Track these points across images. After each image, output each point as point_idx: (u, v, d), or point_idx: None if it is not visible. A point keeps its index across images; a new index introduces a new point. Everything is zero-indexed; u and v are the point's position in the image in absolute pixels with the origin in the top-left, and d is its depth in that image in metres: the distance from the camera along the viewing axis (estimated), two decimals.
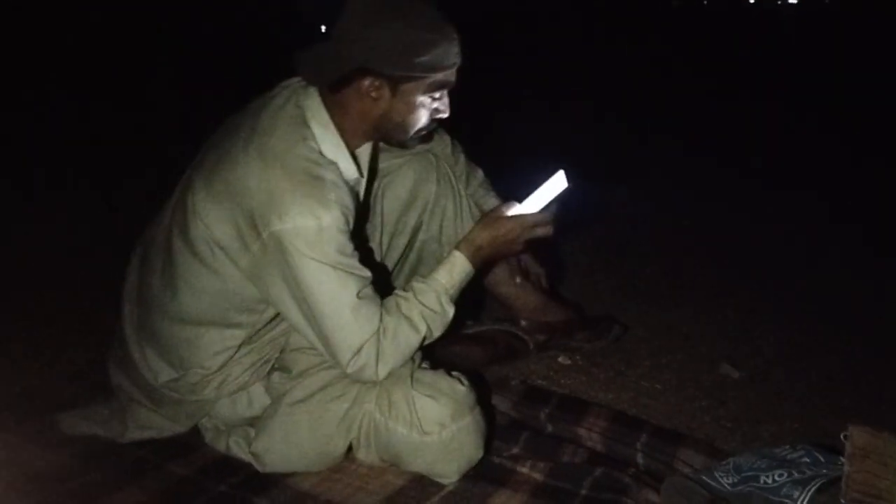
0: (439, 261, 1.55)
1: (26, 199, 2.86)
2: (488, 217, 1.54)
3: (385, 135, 1.47)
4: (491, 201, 1.84)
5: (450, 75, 1.41)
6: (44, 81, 3.89)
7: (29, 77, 3.93)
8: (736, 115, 4.63)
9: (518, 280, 1.96)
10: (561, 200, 1.51)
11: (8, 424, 1.55)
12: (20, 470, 1.42)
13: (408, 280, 1.65)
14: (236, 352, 1.47)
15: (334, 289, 1.35)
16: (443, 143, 1.82)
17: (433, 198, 1.79)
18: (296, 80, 1.44)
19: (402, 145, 1.53)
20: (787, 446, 1.41)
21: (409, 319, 1.42)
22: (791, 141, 4.12)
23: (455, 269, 1.48)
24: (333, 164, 1.39)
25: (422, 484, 1.44)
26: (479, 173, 1.90)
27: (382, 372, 1.40)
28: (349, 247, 1.37)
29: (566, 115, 4.36)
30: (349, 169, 1.43)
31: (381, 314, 1.40)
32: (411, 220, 1.80)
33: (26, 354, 1.83)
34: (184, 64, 4.43)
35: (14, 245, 2.45)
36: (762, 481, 1.30)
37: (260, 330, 1.47)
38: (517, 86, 4.81)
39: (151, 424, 1.53)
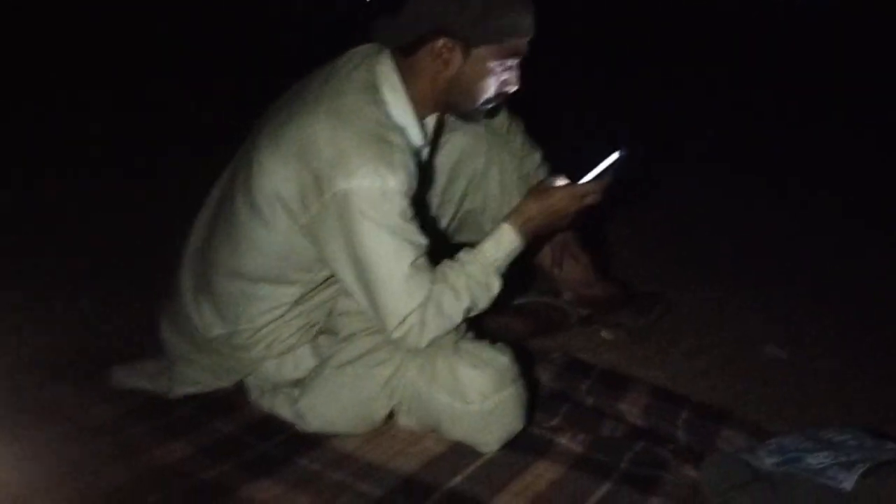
0: (482, 233, 1.55)
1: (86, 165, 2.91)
2: (537, 188, 1.52)
3: (453, 103, 1.47)
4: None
5: (522, 45, 1.40)
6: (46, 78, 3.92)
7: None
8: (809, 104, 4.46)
9: (563, 254, 1.95)
10: (614, 171, 1.49)
11: (64, 378, 1.59)
12: (74, 421, 1.47)
13: (453, 250, 1.65)
14: (288, 310, 1.49)
15: (390, 255, 1.36)
16: (502, 117, 1.81)
17: (480, 172, 1.79)
18: (367, 45, 1.45)
19: (469, 117, 1.52)
20: (834, 428, 1.39)
21: (454, 290, 1.42)
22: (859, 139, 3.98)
23: (502, 242, 1.47)
24: (401, 128, 1.39)
25: (461, 451, 1.44)
26: (537, 153, 1.88)
27: (425, 341, 1.41)
28: (410, 212, 1.37)
29: (630, 93, 4.27)
30: (416, 135, 1.43)
31: (430, 284, 1.40)
32: (457, 190, 1.80)
33: (82, 311, 1.88)
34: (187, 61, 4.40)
35: (77, 210, 2.51)
36: (807, 462, 1.29)
37: (313, 290, 1.49)
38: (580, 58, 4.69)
39: (197, 380, 1.56)
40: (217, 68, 4.33)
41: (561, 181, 1.50)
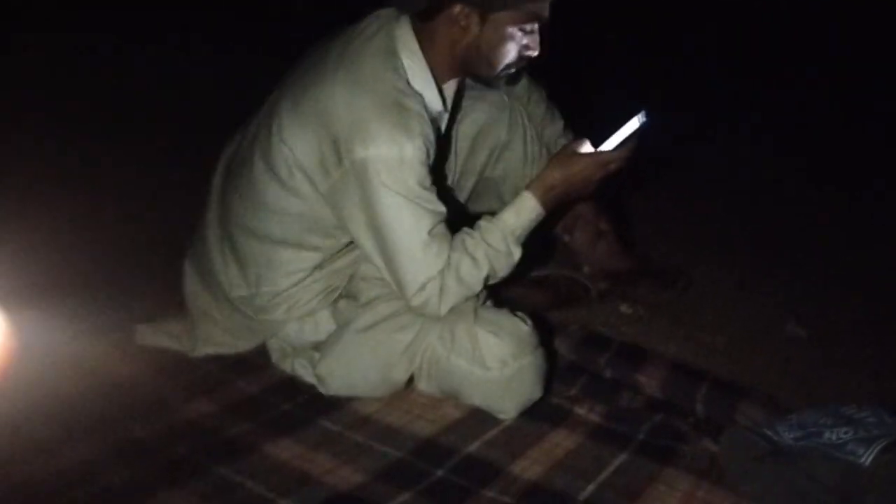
0: (502, 203, 1.54)
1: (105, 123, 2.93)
2: (560, 155, 1.51)
3: (472, 69, 1.46)
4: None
5: (542, 8, 1.39)
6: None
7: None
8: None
9: (584, 226, 1.95)
10: (638, 139, 1.47)
11: (87, 332, 1.62)
12: (101, 376, 1.49)
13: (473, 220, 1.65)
14: (309, 275, 1.50)
15: (408, 222, 1.36)
16: (523, 85, 1.80)
17: (502, 142, 1.78)
18: (387, 11, 1.44)
19: (489, 83, 1.51)
20: (853, 405, 1.39)
21: (473, 258, 1.42)
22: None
23: (523, 210, 1.47)
24: (420, 95, 1.39)
25: (479, 418, 1.46)
26: (560, 122, 1.87)
27: (444, 308, 1.42)
28: (428, 180, 1.37)
29: (659, 62, 4.19)
30: (434, 102, 1.43)
31: (449, 252, 1.41)
32: (479, 161, 1.79)
33: (105, 267, 1.90)
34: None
35: (103, 169, 2.53)
36: (826, 437, 1.29)
37: (334, 255, 1.50)
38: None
39: (219, 341, 1.58)
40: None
41: (585, 147, 1.49)
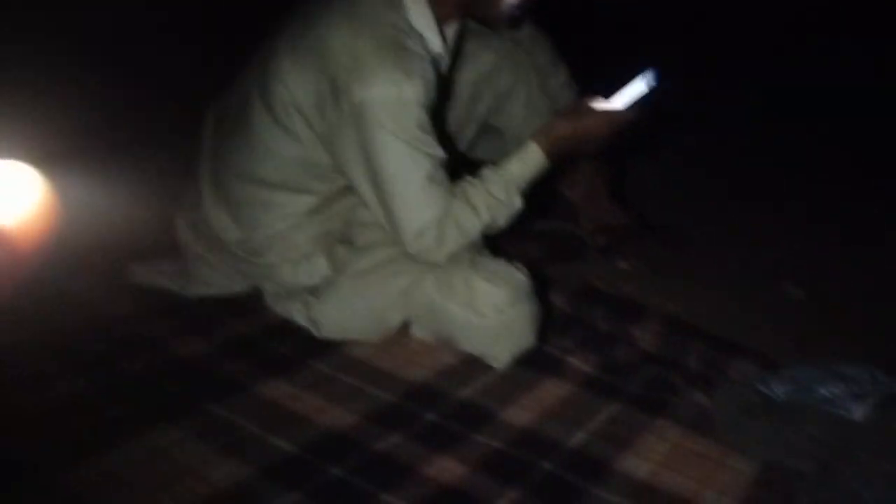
0: (502, 152, 1.52)
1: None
2: (571, 109, 1.49)
3: (475, 8, 1.43)
4: (570, 101, 1.79)
5: None
6: None
7: None
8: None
9: (585, 181, 1.93)
10: (646, 101, 1.45)
11: (84, 272, 1.61)
12: (95, 313, 1.49)
13: (474, 168, 1.63)
14: (304, 219, 1.49)
15: (406, 166, 1.34)
16: (528, 33, 1.76)
17: (505, 90, 1.75)
18: None
19: (493, 24, 1.48)
20: (847, 363, 1.38)
21: (473, 207, 1.41)
22: None
23: (528, 161, 1.45)
24: (420, 35, 1.36)
25: (472, 364, 1.46)
26: (564, 72, 1.84)
27: (442, 255, 1.41)
28: (428, 123, 1.35)
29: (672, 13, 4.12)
30: (435, 43, 1.40)
31: (448, 198, 1.39)
32: (481, 109, 1.77)
33: (103, 210, 1.88)
34: None
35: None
36: (818, 393, 1.29)
37: (330, 199, 1.49)
38: None
39: (212, 282, 1.58)
40: None
41: (596, 104, 1.46)
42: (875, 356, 1.62)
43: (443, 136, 1.57)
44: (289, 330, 1.51)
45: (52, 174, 0.77)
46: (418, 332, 1.49)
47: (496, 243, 1.58)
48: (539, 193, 1.54)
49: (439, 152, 1.38)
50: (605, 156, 1.88)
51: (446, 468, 1.19)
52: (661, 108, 1.52)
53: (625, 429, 1.33)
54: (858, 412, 1.22)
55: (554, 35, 1.87)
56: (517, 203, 1.45)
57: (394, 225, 1.40)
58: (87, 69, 2.13)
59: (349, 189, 1.47)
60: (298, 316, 1.53)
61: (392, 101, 1.30)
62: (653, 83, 1.41)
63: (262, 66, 1.42)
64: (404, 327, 1.50)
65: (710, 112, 3.10)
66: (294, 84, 1.36)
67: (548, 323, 1.56)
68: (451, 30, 1.48)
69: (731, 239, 2.14)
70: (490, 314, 1.41)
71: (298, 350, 1.46)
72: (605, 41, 3.04)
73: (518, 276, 1.45)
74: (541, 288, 1.55)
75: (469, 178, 1.45)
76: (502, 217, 1.45)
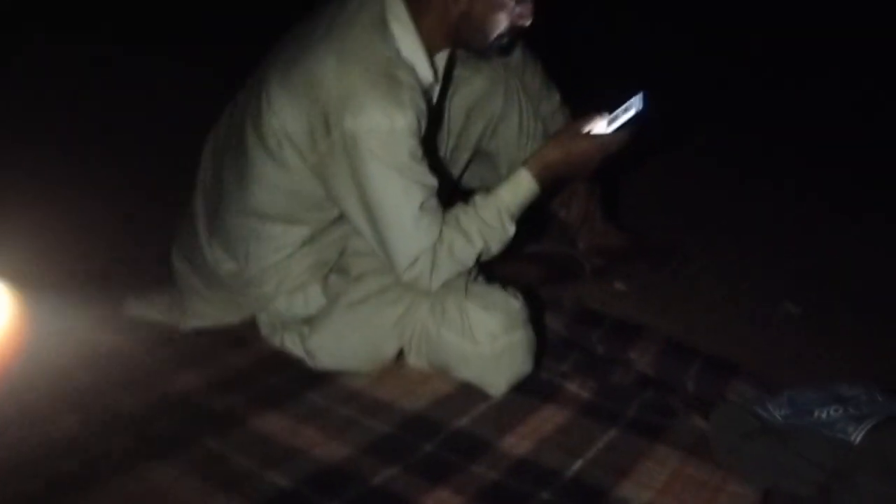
0: (496, 177, 1.53)
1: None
2: (561, 135, 1.49)
3: (463, 39, 1.43)
4: (562, 125, 1.79)
5: None
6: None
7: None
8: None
9: (580, 202, 1.93)
10: (637, 123, 1.45)
11: (78, 306, 1.60)
12: (88, 348, 1.49)
13: (468, 194, 1.63)
14: (298, 249, 1.49)
15: (398, 195, 1.34)
16: (519, 58, 1.77)
17: (498, 113, 1.76)
18: None
19: (482, 54, 1.49)
20: (845, 383, 1.38)
21: (466, 234, 1.41)
22: None
23: (520, 188, 1.45)
24: (411, 66, 1.37)
25: (469, 393, 1.45)
26: (556, 95, 1.84)
27: (436, 283, 1.41)
28: (419, 152, 1.35)
29: (660, 35, 4.14)
30: (426, 73, 1.40)
31: (441, 226, 1.39)
32: (474, 134, 1.77)
33: (96, 243, 1.89)
34: None
35: (95, 144, 2.50)
36: (816, 415, 1.28)
37: (323, 229, 1.49)
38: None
39: (208, 315, 1.57)
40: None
41: (587, 127, 1.46)
42: (873, 372, 1.62)
43: (436, 162, 1.58)
44: (284, 361, 1.51)
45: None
46: (414, 361, 1.49)
47: (490, 267, 1.57)
48: (533, 215, 1.55)
49: (431, 181, 1.38)
50: (599, 177, 1.88)
51: (443, 499, 1.18)
52: (650, 126, 1.52)
53: (623, 456, 1.32)
54: (856, 435, 1.21)
55: (545, 58, 1.88)
56: (510, 229, 1.46)
57: (387, 254, 1.40)
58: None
59: (342, 219, 1.48)
60: (293, 347, 1.52)
61: (384, 131, 1.31)
62: (642, 106, 1.42)
63: (255, 95, 1.43)
64: (400, 356, 1.50)
65: (704, 130, 3.12)
66: (286, 115, 1.36)
67: (544, 347, 1.55)
68: (442, 58, 1.48)
69: (727, 257, 2.13)
70: (485, 342, 1.40)
71: (293, 382, 1.45)
72: (596, 63, 3.07)
73: (512, 303, 1.44)
74: (536, 311, 1.55)
75: (461, 205, 1.45)
76: (495, 244, 1.45)
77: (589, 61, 3.12)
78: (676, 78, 3.40)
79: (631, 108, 1.42)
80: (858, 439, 1.20)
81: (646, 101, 1.41)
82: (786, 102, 3.57)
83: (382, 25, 1.36)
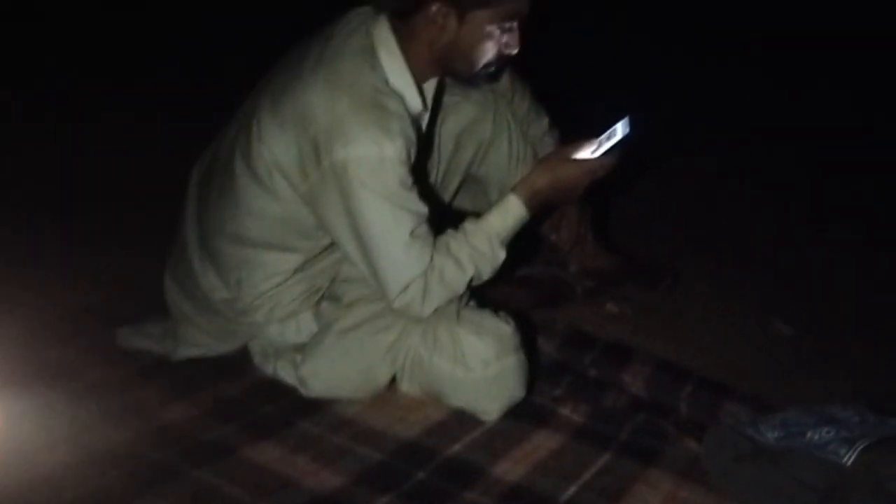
0: (487, 201, 1.54)
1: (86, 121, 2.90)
2: (548, 160, 1.50)
3: (451, 68, 1.44)
4: (551, 148, 1.80)
5: (520, 6, 1.37)
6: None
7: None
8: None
9: (570, 225, 1.94)
10: (624, 146, 1.46)
11: (68, 337, 1.61)
12: (79, 380, 1.48)
13: (458, 219, 1.64)
14: (290, 277, 1.49)
15: (388, 223, 1.35)
16: (507, 83, 1.78)
17: (487, 139, 1.77)
18: (367, 8, 1.43)
19: (469, 82, 1.50)
20: (837, 404, 1.38)
21: (457, 260, 1.41)
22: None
23: (509, 213, 1.46)
24: (399, 94, 1.38)
25: (462, 419, 1.45)
26: (545, 119, 1.85)
27: (427, 310, 1.41)
28: (409, 180, 1.36)
29: (647, 60, 4.18)
30: (414, 101, 1.42)
31: (432, 253, 1.40)
32: (464, 160, 1.78)
33: (86, 271, 1.89)
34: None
35: (77, 163, 2.50)
36: (808, 437, 1.29)
37: (315, 257, 1.49)
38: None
39: (201, 343, 1.57)
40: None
41: (573, 152, 1.47)
42: (866, 393, 1.63)
43: (426, 188, 1.59)
44: (277, 390, 1.51)
45: None
46: (406, 387, 1.49)
47: (482, 291, 1.58)
48: (524, 239, 1.55)
49: (422, 208, 1.39)
50: (590, 199, 1.89)
51: None
52: (640, 147, 1.53)
53: (617, 480, 1.32)
54: (848, 457, 1.21)
55: (534, 81, 1.90)
56: (500, 255, 1.46)
57: (379, 281, 1.40)
58: None
59: (334, 246, 1.48)
60: (286, 375, 1.52)
61: (373, 160, 1.32)
62: (629, 133, 1.43)
63: (245, 125, 1.44)
64: (392, 383, 1.50)
65: (693, 150, 3.14)
66: (275, 145, 1.37)
67: (537, 371, 1.56)
68: (430, 86, 1.50)
69: (718, 277, 2.14)
70: (477, 368, 1.41)
71: (286, 410, 1.45)
72: (585, 86, 3.09)
73: (504, 328, 1.45)
74: (528, 335, 1.56)
75: (452, 231, 1.46)
76: (486, 269, 1.45)
77: (584, 68, 3.15)
78: (668, 90, 3.44)
79: (617, 133, 1.44)
80: (851, 461, 1.21)
81: (632, 124, 1.43)
82: (778, 116, 3.59)
83: (371, 55, 1.38)
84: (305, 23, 1.49)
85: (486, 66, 1.43)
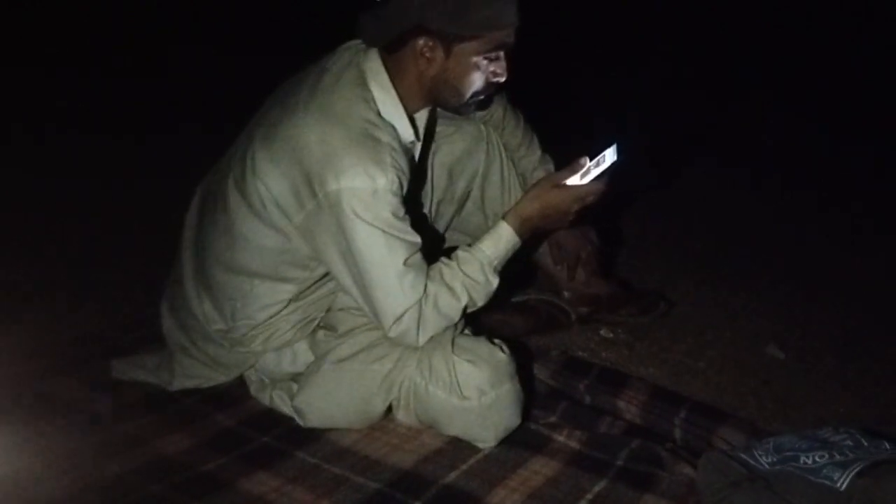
0: (483, 231, 1.55)
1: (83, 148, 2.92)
2: (538, 187, 1.52)
3: (441, 98, 1.47)
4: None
5: (506, 36, 1.39)
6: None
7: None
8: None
9: (564, 251, 1.95)
10: (612, 173, 1.48)
11: (64, 368, 1.61)
12: (76, 412, 1.48)
13: (453, 248, 1.65)
14: (285, 307, 1.50)
15: (383, 254, 1.37)
16: (498, 111, 1.81)
17: (480, 171, 1.79)
18: (358, 42, 1.45)
19: (459, 111, 1.52)
20: (830, 428, 1.39)
21: (451, 289, 1.43)
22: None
23: (501, 240, 1.48)
24: (391, 126, 1.40)
25: (458, 447, 1.45)
26: (537, 150, 1.88)
27: (422, 338, 1.42)
28: (402, 210, 1.38)
29: (636, 86, 4.22)
30: (406, 132, 1.44)
31: (426, 282, 1.41)
32: (458, 189, 1.80)
33: (83, 302, 1.89)
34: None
35: (72, 193, 2.52)
36: (802, 462, 1.29)
37: (310, 287, 1.50)
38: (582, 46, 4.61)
39: (197, 374, 1.58)
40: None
41: (562, 179, 1.49)
42: (859, 417, 1.64)
43: (421, 218, 1.61)
44: (273, 420, 1.51)
45: None
46: (402, 416, 1.49)
47: (477, 317, 1.59)
48: (518, 265, 1.57)
49: (415, 237, 1.41)
50: (583, 224, 1.90)
51: None
52: (632, 172, 1.55)
53: None
54: (842, 481, 1.21)
55: (526, 108, 1.92)
56: (494, 282, 1.48)
57: (373, 310, 1.42)
58: None
59: (328, 276, 1.49)
60: (282, 405, 1.53)
61: (367, 191, 1.33)
62: (617, 159, 1.45)
63: (239, 157, 1.45)
64: (389, 412, 1.50)
65: (685, 174, 3.17)
66: (269, 178, 1.39)
67: (532, 397, 1.56)
68: (422, 116, 1.52)
69: (711, 303, 2.16)
70: (473, 396, 1.41)
71: (282, 441, 1.45)
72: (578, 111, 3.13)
73: (499, 356, 1.46)
74: (523, 361, 1.56)
75: (445, 259, 1.47)
76: (480, 297, 1.47)
77: (571, 110, 3.19)
78: (658, 116, 3.48)
79: (606, 159, 1.46)
80: (845, 485, 1.21)
81: (620, 150, 1.45)
82: (770, 142, 3.63)
83: (362, 87, 1.40)
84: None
85: (475, 94, 1.45)
